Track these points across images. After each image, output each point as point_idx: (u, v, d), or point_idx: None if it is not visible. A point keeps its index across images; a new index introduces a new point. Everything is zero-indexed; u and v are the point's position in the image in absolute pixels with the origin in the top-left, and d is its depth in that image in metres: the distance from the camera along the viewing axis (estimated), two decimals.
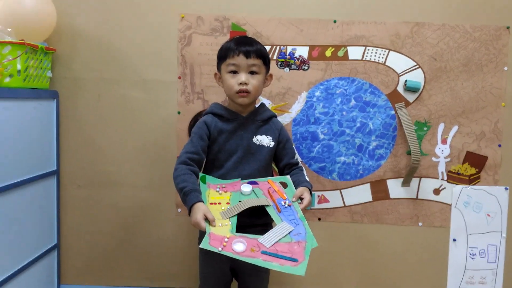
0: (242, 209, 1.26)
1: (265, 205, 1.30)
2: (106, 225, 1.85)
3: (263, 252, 1.16)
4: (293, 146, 1.58)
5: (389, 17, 1.78)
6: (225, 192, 1.34)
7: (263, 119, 1.46)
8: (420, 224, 1.84)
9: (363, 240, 1.85)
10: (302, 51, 1.79)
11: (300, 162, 1.52)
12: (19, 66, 1.53)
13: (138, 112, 1.81)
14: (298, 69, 1.80)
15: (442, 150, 1.82)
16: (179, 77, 1.79)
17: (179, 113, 1.80)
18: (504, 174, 1.81)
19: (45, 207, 1.74)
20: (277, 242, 1.19)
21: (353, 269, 1.87)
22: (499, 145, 1.81)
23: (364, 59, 1.79)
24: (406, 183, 1.82)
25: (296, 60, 1.79)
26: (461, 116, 1.80)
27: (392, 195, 1.84)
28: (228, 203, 1.29)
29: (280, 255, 1.15)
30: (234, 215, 1.25)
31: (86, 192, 1.83)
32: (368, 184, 1.83)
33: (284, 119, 1.80)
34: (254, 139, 1.43)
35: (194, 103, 1.80)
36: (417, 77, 1.79)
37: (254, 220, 1.33)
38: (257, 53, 1.38)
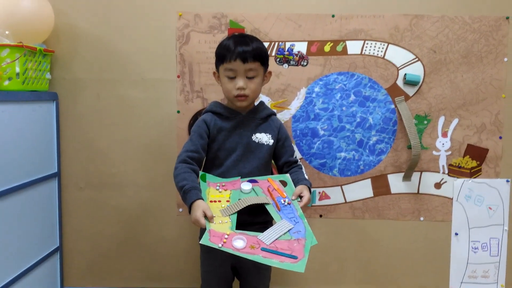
0: (242, 207, 1.26)
1: (265, 203, 1.30)
2: (107, 226, 1.85)
3: (263, 249, 1.16)
4: (292, 144, 1.58)
5: (388, 10, 1.76)
6: (225, 190, 1.34)
7: (262, 117, 1.46)
8: (421, 218, 1.84)
9: (365, 236, 1.85)
10: (301, 47, 1.78)
11: (299, 160, 1.51)
12: (17, 69, 1.52)
13: (137, 112, 1.81)
14: (297, 65, 1.79)
15: (443, 144, 1.81)
16: (178, 76, 1.79)
17: (178, 112, 1.80)
18: (505, 166, 1.80)
19: (47, 209, 1.74)
20: (276, 239, 1.19)
21: (356, 265, 1.87)
22: (500, 137, 1.80)
23: (363, 53, 1.78)
24: (407, 177, 1.81)
25: (295, 56, 1.78)
26: (461, 108, 1.79)
27: (393, 190, 1.83)
28: (228, 201, 1.30)
29: (280, 252, 1.15)
30: (234, 213, 1.25)
31: (87, 194, 1.84)
32: (369, 180, 1.83)
33: (284, 115, 1.80)
34: (254, 137, 1.42)
35: (193, 102, 1.80)
36: (416, 70, 1.77)
37: (254, 218, 1.33)
38: (255, 55, 1.35)
